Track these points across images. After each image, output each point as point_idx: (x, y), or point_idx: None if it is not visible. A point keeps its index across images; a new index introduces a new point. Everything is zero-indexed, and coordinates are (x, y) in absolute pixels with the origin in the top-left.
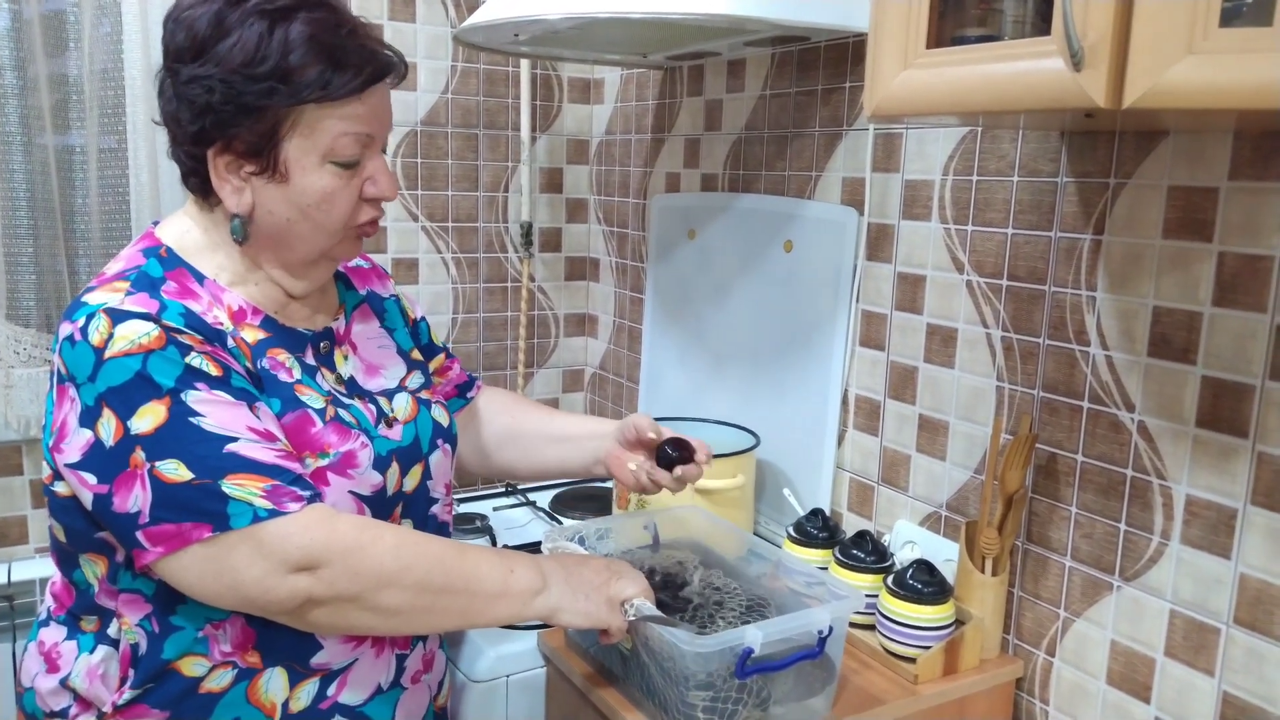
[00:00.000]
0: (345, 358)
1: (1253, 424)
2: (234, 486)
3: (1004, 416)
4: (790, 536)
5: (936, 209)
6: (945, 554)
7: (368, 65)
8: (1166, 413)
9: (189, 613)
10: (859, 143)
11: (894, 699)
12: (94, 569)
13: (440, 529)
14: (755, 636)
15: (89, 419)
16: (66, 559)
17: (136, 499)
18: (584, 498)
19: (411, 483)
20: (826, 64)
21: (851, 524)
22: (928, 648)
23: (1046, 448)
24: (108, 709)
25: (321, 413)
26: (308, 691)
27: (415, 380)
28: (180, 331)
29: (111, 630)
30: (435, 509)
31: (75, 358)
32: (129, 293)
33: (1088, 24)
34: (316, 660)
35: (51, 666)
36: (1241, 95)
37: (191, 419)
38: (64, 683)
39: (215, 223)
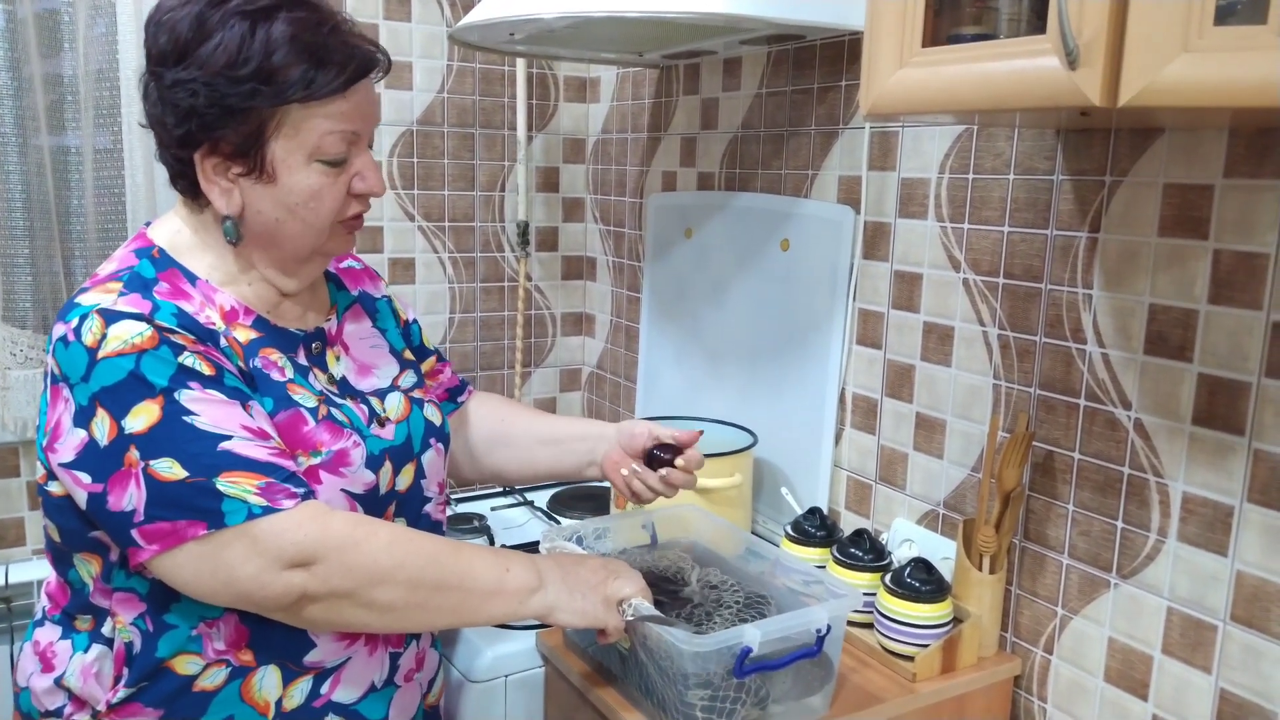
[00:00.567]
0: (337, 358)
1: (1249, 421)
2: (228, 484)
3: (1001, 414)
4: (788, 535)
5: (933, 207)
6: (943, 552)
7: (350, 62)
8: (1163, 410)
9: (183, 611)
10: (855, 141)
11: (892, 697)
12: (88, 568)
13: (433, 528)
14: (753, 636)
15: (83, 419)
16: (61, 558)
17: (131, 497)
18: (582, 497)
19: (404, 482)
20: (822, 62)
21: (849, 523)
22: (926, 646)
23: (1043, 445)
24: (102, 708)
25: (314, 411)
26: (301, 689)
27: (408, 379)
28: (173, 331)
29: (106, 629)
30: (428, 508)
31: (69, 358)
32: (122, 293)
33: (1083, 22)
34: (310, 658)
35: (46, 666)
36: (1236, 93)
37: (185, 418)
38: (59, 682)
39: (205, 224)
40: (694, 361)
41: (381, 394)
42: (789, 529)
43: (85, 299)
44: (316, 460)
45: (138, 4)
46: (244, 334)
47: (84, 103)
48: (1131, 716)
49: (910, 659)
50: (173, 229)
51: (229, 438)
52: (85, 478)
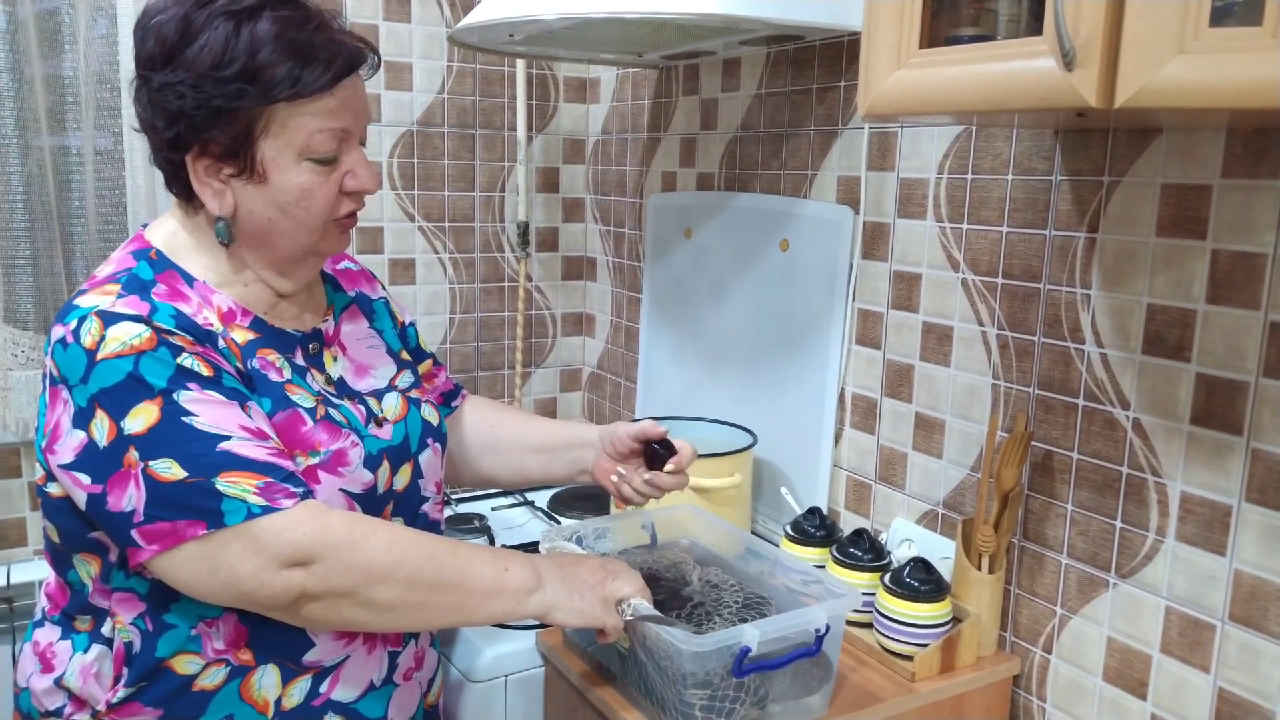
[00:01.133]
0: (335, 359)
1: (1247, 421)
2: (227, 484)
3: (1000, 414)
4: (787, 535)
5: (932, 207)
6: (942, 552)
7: (336, 59)
8: (1161, 410)
9: (182, 611)
10: (854, 141)
11: (891, 697)
12: (87, 569)
13: (431, 527)
14: (752, 635)
15: (82, 420)
16: (60, 559)
17: (131, 498)
18: (582, 497)
19: (402, 481)
20: (821, 63)
21: (849, 522)
22: (925, 645)
23: (1042, 445)
24: (102, 708)
25: (312, 412)
26: (300, 688)
27: (405, 379)
28: (171, 333)
29: (105, 629)
30: (426, 507)
31: (67, 360)
32: (120, 295)
33: (1079, 23)
34: (309, 657)
35: (46, 666)
36: (1232, 94)
37: (184, 418)
38: (58, 682)
39: (200, 225)
40: (694, 361)
41: (379, 394)
42: (788, 529)
43: (83, 301)
44: (315, 460)
45: (138, 4)
46: (241, 335)
47: (85, 104)
48: (1130, 716)
49: (909, 658)
50: (169, 230)
51: (228, 438)
52: (85, 479)
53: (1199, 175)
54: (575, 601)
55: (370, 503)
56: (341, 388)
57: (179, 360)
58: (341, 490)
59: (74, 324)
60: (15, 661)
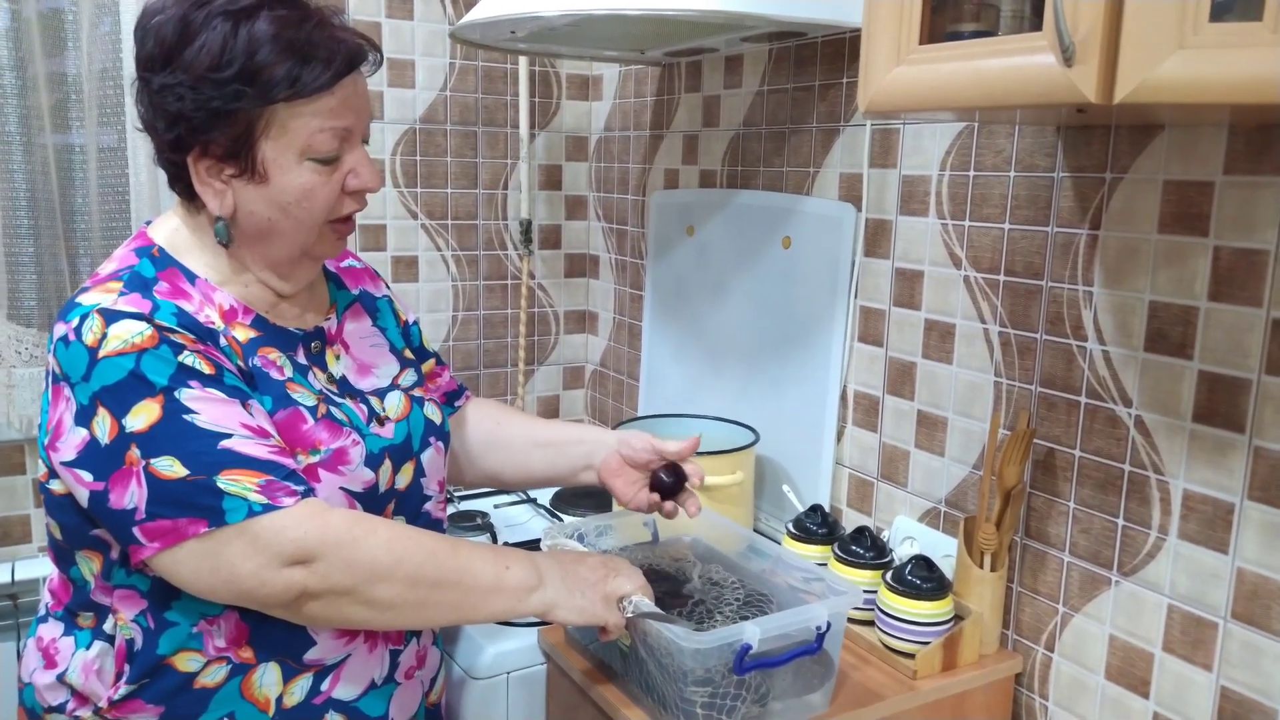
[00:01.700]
0: (337, 357)
1: (1249, 418)
2: (229, 482)
3: (1002, 412)
4: (789, 533)
5: (934, 204)
6: (944, 549)
7: (336, 57)
8: (1163, 407)
9: (184, 608)
10: (856, 138)
11: (893, 694)
12: (90, 565)
13: (433, 526)
14: (753, 633)
15: (84, 418)
16: (63, 556)
17: (132, 495)
18: (585, 495)
19: (404, 480)
20: (823, 60)
21: (851, 520)
22: (926, 643)
23: (1044, 443)
24: (103, 704)
25: (313, 410)
26: (301, 686)
27: (408, 378)
28: (173, 331)
29: (107, 626)
30: (428, 506)
31: (69, 358)
32: (122, 293)
33: (1078, 19)
34: (310, 655)
35: (49, 662)
36: (1232, 90)
37: (185, 416)
38: (61, 678)
39: (202, 224)
40: (696, 359)
41: (381, 393)
42: (790, 526)
43: (86, 299)
44: (315, 459)
45: (141, 2)
46: (243, 333)
47: (88, 101)
48: (1132, 714)
49: (911, 656)
50: (172, 228)
51: (229, 436)
52: (87, 476)
53: (1201, 172)
54: (576, 599)
55: (371, 501)
56: (344, 386)
57: (180, 358)
58: (342, 489)
59: (76, 322)
60: (20, 656)
